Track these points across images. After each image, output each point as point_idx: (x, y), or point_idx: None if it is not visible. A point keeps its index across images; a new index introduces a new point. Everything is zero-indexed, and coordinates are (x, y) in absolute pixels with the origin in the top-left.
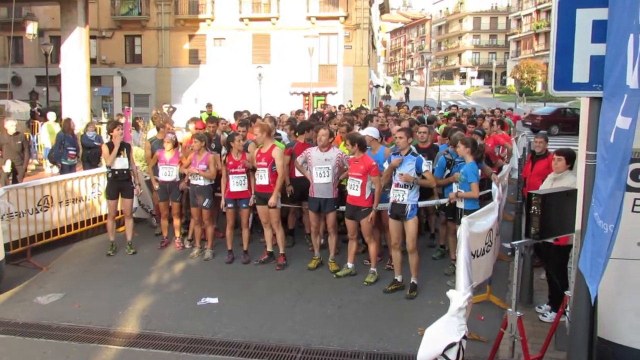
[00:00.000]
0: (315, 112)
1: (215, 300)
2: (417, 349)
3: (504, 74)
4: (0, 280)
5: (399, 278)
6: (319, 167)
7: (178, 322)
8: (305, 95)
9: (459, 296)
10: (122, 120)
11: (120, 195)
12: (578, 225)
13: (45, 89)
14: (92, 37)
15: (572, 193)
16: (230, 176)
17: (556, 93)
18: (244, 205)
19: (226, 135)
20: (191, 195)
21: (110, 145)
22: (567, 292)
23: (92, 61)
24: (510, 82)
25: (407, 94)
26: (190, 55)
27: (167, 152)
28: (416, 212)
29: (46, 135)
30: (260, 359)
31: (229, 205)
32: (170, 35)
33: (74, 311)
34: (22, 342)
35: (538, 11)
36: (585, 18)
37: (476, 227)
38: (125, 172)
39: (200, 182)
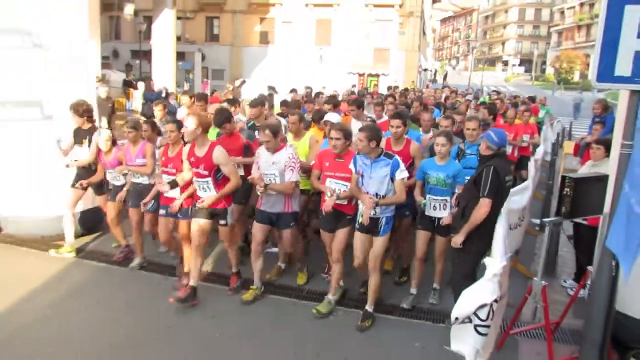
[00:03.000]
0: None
1: None
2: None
3: (544, 63)
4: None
5: (370, 308)
6: (266, 174)
7: None
8: (361, 75)
9: (494, 263)
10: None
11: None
12: (606, 208)
13: (138, 61)
14: (178, 17)
15: (603, 178)
16: (163, 175)
17: (598, 85)
18: (179, 215)
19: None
20: (131, 197)
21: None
22: (589, 267)
23: (177, 39)
24: (549, 70)
25: (445, 77)
26: (261, 36)
27: (106, 155)
28: (391, 227)
29: (138, 100)
30: None
31: (161, 211)
32: (244, 17)
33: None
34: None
35: (582, 4)
36: (633, 14)
37: (513, 203)
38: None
39: (143, 180)
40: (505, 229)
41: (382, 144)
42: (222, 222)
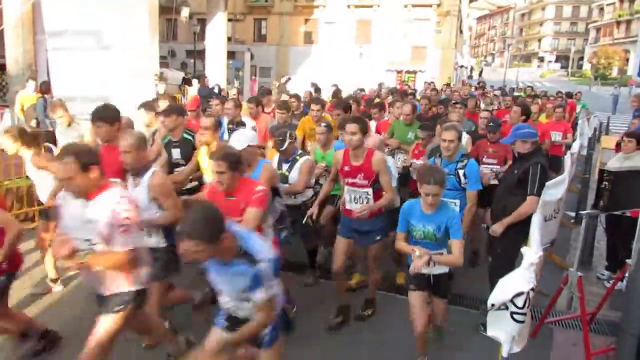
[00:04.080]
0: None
1: None
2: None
3: (581, 59)
4: None
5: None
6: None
7: None
8: (399, 72)
9: (531, 253)
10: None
11: None
12: None
13: (192, 60)
14: (229, 19)
15: None
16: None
17: (639, 79)
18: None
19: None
20: None
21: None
22: (628, 260)
23: (228, 39)
24: (586, 66)
25: (480, 73)
26: (305, 36)
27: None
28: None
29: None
30: None
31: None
32: (290, 19)
33: None
34: None
35: (622, 0)
36: None
37: (549, 195)
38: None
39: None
40: (540, 220)
41: (340, 155)
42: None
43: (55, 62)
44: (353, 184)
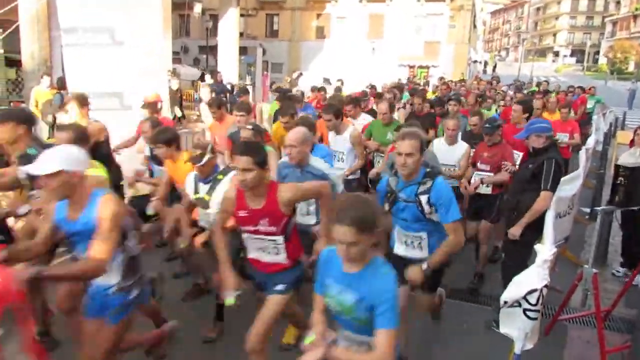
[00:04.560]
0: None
1: None
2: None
3: (597, 53)
4: None
5: None
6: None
7: None
8: (411, 67)
9: (545, 250)
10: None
11: None
12: None
13: (205, 56)
14: (241, 15)
15: None
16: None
17: None
18: None
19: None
20: None
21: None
22: None
23: (240, 35)
24: (602, 61)
25: (494, 68)
26: (317, 31)
27: None
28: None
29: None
30: None
31: None
32: (302, 14)
33: None
34: None
35: None
36: None
37: (563, 191)
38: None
39: None
40: (554, 217)
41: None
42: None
43: (69, 58)
44: (256, 232)
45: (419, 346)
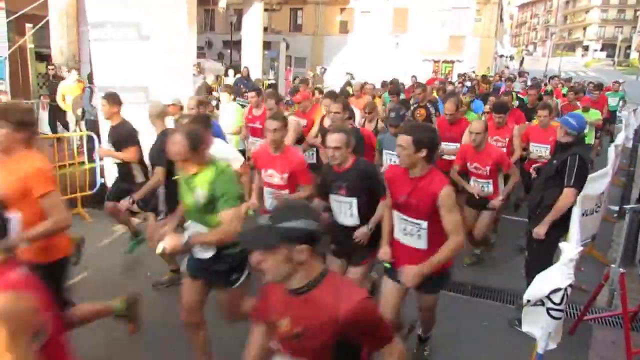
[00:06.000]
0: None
1: None
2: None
3: (629, 47)
4: None
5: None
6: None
7: None
8: (435, 62)
9: (570, 248)
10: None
11: None
12: None
13: (229, 51)
14: (265, 9)
15: None
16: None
17: None
18: None
19: None
20: None
21: None
22: None
23: (264, 29)
24: (634, 55)
25: (521, 62)
26: (340, 26)
27: None
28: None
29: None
30: None
31: None
32: (325, 8)
33: None
34: None
35: None
36: None
37: (589, 189)
38: None
39: None
40: (579, 215)
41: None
42: None
43: (96, 53)
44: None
45: (440, 344)
